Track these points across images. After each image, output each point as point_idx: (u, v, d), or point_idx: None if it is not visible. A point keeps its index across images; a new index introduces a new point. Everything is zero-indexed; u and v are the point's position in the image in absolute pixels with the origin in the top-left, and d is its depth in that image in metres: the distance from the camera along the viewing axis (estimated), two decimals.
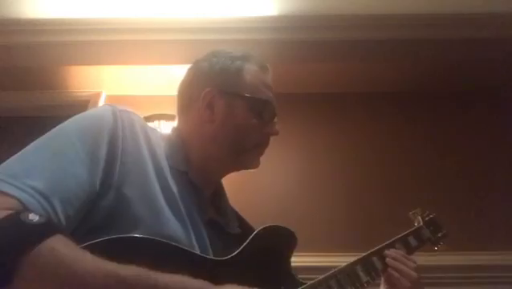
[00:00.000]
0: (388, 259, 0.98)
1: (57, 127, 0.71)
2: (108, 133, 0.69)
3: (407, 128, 2.13)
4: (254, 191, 1.92)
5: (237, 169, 0.91)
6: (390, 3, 2.10)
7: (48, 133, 0.70)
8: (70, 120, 0.73)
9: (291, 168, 2.05)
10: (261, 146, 0.89)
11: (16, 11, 2.12)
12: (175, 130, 0.90)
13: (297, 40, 2.17)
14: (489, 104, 2.17)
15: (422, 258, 1.71)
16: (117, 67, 2.17)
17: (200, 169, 0.83)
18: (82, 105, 2.16)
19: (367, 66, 2.19)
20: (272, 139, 0.91)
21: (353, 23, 2.15)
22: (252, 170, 0.90)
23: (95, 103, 2.17)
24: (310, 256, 1.63)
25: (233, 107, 0.86)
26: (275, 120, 0.90)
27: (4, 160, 0.65)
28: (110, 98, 2.22)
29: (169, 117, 1.97)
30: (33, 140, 0.72)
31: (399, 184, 1.97)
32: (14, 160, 0.64)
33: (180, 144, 0.84)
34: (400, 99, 2.20)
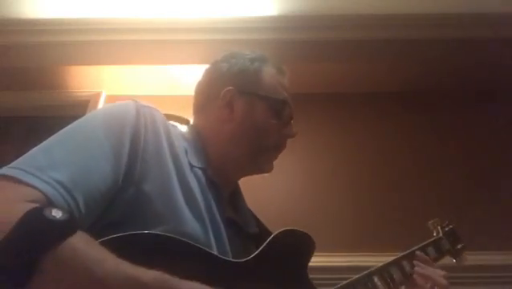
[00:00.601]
0: (415, 262, 0.94)
1: (81, 120, 0.71)
2: (131, 129, 0.69)
3: (411, 127, 2.13)
4: (259, 191, 1.92)
5: (252, 172, 0.91)
6: (391, 3, 2.10)
7: (72, 126, 0.70)
8: (93, 113, 0.74)
9: (296, 169, 2.05)
10: (278, 148, 0.90)
11: (16, 11, 2.13)
12: (192, 128, 0.90)
13: (297, 40, 2.17)
14: (494, 105, 2.16)
15: None
16: (117, 67, 2.17)
17: (218, 168, 0.83)
18: (82, 105, 2.16)
19: (369, 66, 2.19)
20: None
21: (354, 23, 2.15)
22: (265, 174, 0.90)
23: (95, 103, 2.17)
24: (316, 256, 1.64)
25: (252, 106, 0.87)
26: (292, 121, 0.92)
27: (4, 161, 0.65)
28: (110, 98, 2.22)
29: (169, 117, 1.97)
30: (33, 140, 0.72)
31: (404, 183, 1.96)
32: (39, 152, 0.64)
33: (199, 142, 0.85)
34: (404, 99, 2.20)
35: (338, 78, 2.19)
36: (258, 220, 0.93)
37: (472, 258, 1.73)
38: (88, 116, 0.73)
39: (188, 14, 2.16)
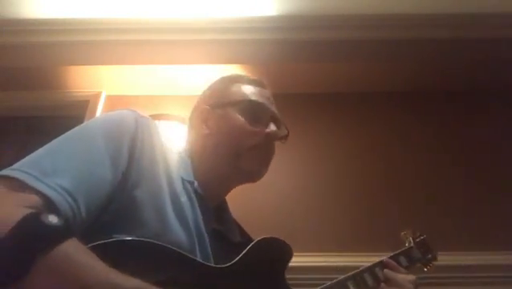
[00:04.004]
0: (385, 270, 0.99)
1: (81, 126, 0.75)
2: (129, 138, 0.73)
3: (409, 128, 2.13)
4: (256, 192, 1.92)
5: (239, 178, 0.92)
6: (391, 3, 2.10)
7: (73, 132, 0.73)
8: (93, 120, 0.77)
9: (292, 168, 2.05)
10: (257, 148, 0.89)
11: (16, 11, 2.13)
12: (183, 147, 0.95)
13: (297, 40, 2.17)
14: (491, 105, 2.16)
15: None
16: (117, 67, 2.17)
17: (205, 181, 0.86)
18: (82, 105, 2.16)
19: (368, 66, 2.19)
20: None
21: (353, 23, 2.15)
22: (257, 180, 0.92)
23: (95, 103, 2.17)
24: (314, 256, 1.64)
25: (225, 115, 0.91)
26: (273, 122, 0.92)
27: (4, 161, 0.65)
28: (110, 98, 2.22)
29: (169, 117, 1.97)
30: (32, 140, 0.73)
31: (401, 183, 1.96)
32: (42, 157, 0.67)
33: (188, 157, 0.89)
34: (403, 99, 2.20)
35: (337, 78, 2.19)
36: (242, 230, 0.97)
37: (472, 258, 1.75)
38: (88, 123, 0.76)
39: (188, 14, 2.16)
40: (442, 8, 2.10)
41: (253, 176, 0.91)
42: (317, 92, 2.21)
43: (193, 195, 0.80)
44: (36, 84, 2.20)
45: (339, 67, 2.17)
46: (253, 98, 0.92)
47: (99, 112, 2.14)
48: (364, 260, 1.08)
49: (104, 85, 2.22)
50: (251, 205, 1.86)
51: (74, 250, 0.56)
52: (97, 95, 2.20)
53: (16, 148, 2.04)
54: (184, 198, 0.77)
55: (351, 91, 2.22)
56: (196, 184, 0.83)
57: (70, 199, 0.61)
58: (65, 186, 0.61)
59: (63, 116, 2.15)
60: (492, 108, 2.16)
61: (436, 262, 1.19)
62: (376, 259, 1.04)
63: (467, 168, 2.01)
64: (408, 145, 2.08)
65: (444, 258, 1.73)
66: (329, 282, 0.89)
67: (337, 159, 2.06)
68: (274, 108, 0.95)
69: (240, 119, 0.89)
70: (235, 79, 0.98)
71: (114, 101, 2.20)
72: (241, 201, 1.93)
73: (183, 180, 0.81)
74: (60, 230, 0.56)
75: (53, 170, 0.63)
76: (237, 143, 0.88)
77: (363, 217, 1.87)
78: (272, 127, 0.91)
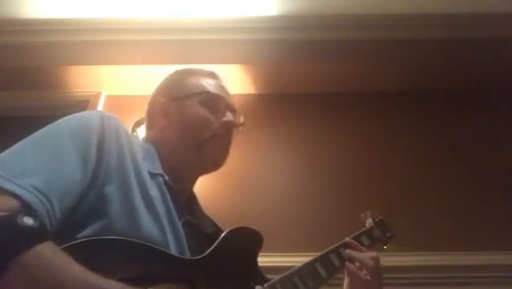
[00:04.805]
0: (347, 250, 1.04)
1: (48, 127, 0.74)
2: (97, 137, 0.73)
3: (407, 128, 2.13)
4: (254, 190, 1.92)
5: (204, 166, 0.95)
6: (390, 3, 2.10)
7: (40, 132, 0.73)
8: (60, 121, 0.76)
9: (290, 167, 2.05)
10: (218, 137, 0.92)
11: (16, 11, 2.13)
12: (148, 139, 0.96)
13: (297, 40, 2.17)
14: (489, 105, 2.16)
15: (421, 258, 1.73)
16: (117, 67, 2.17)
17: (172, 173, 0.87)
18: (82, 105, 2.16)
19: (367, 66, 2.19)
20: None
21: (353, 23, 2.15)
22: (219, 168, 0.94)
23: (95, 103, 2.17)
24: (312, 256, 1.64)
25: (183, 108, 0.93)
26: (229, 111, 0.96)
27: None
28: (110, 98, 2.22)
29: None
30: None
31: (398, 183, 1.96)
32: (10, 158, 0.66)
33: (153, 151, 0.90)
34: (401, 99, 2.20)
35: (335, 77, 2.19)
36: (213, 222, 0.99)
37: (472, 258, 1.75)
38: (54, 124, 0.75)
39: (188, 14, 2.16)
40: (440, 8, 2.10)
41: (215, 163, 0.94)
42: (315, 92, 2.21)
43: (163, 188, 0.81)
44: (36, 84, 2.20)
45: (338, 66, 2.17)
46: (211, 89, 0.96)
47: None
48: None
49: (104, 85, 2.22)
50: (251, 204, 1.86)
51: (50, 252, 0.56)
52: (97, 95, 2.20)
53: None
54: (154, 192, 0.77)
55: (349, 90, 2.21)
56: (166, 176, 0.84)
57: (43, 198, 0.61)
58: (37, 186, 0.61)
59: (63, 116, 2.14)
60: (490, 108, 2.16)
61: (394, 240, 1.23)
62: None
63: (466, 169, 2.01)
64: (406, 145, 2.08)
65: (444, 258, 1.75)
66: (298, 266, 0.93)
67: (335, 158, 2.06)
68: (229, 99, 0.99)
69: (199, 109, 0.92)
70: (190, 72, 1.01)
71: (114, 101, 2.21)
72: (242, 201, 1.94)
73: (153, 174, 0.81)
74: (36, 231, 0.57)
75: (22, 171, 0.63)
76: (198, 133, 0.91)
77: (361, 218, 1.87)
78: (229, 116, 0.95)
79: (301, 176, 2.03)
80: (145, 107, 1.01)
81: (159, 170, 0.84)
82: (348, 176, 2.00)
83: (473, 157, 2.03)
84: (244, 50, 2.16)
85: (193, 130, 0.91)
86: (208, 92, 0.95)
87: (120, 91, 2.23)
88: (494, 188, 1.94)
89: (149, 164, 0.83)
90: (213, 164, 0.94)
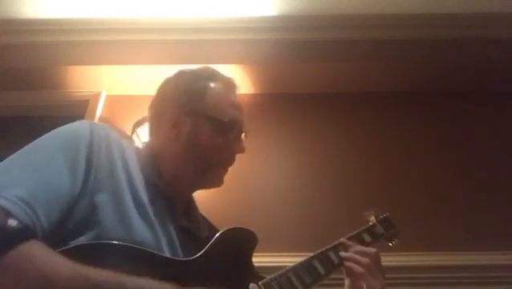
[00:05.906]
0: (340, 252, 1.02)
1: (36, 141, 0.75)
2: (85, 146, 0.73)
3: (408, 127, 2.13)
4: (253, 189, 1.93)
5: (204, 187, 0.95)
6: (390, 3, 2.10)
7: (29, 145, 0.74)
8: (49, 134, 0.77)
9: (290, 167, 2.05)
10: (225, 164, 0.93)
11: (16, 11, 2.13)
12: (148, 144, 0.95)
13: (297, 40, 2.17)
14: (490, 105, 2.16)
15: (421, 258, 1.73)
16: (117, 67, 2.17)
17: (170, 183, 0.87)
18: (82, 105, 2.16)
19: (367, 65, 2.19)
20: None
21: (353, 23, 2.15)
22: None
23: (95, 103, 2.17)
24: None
25: (198, 126, 0.90)
26: (242, 137, 0.95)
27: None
28: (110, 98, 2.22)
29: None
30: (33, 140, 0.74)
31: (399, 182, 1.96)
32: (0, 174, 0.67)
33: (152, 159, 0.89)
34: (400, 99, 2.20)
35: (335, 77, 2.19)
36: (211, 225, 0.99)
37: (472, 258, 1.75)
38: (44, 137, 0.76)
39: (189, 14, 2.16)
40: (440, 8, 2.10)
41: (217, 186, 0.94)
42: (315, 92, 2.21)
43: (157, 196, 0.82)
44: (36, 84, 2.20)
45: (338, 66, 2.17)
46: (229, 118, 0.92)
47: (99, 112, 2.14)
48: None
49: (104, 85, 2.22)
50: (250, 204, 1.86)
51: (35, 249, 0.58)
52: (97, 95, 2.20)
53: (16, 148, 2.04)
54: (147, 199, 0.78)
55: (349, 90, 2.22)
56: (161, 185, 0.85)
57: (26, 207, 0.62)
58: (21, 196, 0.62)
59: (63, 116, 2.15)
60: (491, 108, 2.16)
61: (399, 237, 1.21)
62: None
63: (466, 168, 2.01)
64: (406, 145, 2.08)
65: (444, 258, 1.75)
66: (296, 262, 0.93)
67: (334, 158, 2.05)
68: (243, 117, 0.96)
69: (214, 134, 0.90)
70: (210, 78, 0.96)
71: (114, 101, 2.21)
72: (241, 201, 1.94)
73: (147, 181, 0.81)
74: (19, 232, 0.58)
75: (9, 184, 0.64)
76: (208, 158, 0.90)
77: (360, 218, 1.87)
78: (241, 144, 0.94)
79: (300, 175, 2.03)
80: (145, 107, 0.99)
81: (152, 178, 0.84)
82: (348, 176, 2.00)
83: (472, 157, 2.03)
84: (244, 50, 2.16)
85: (202, 153, 0.89)
86: (230, 123, 0.91)
87: (120, 91, 2.23)
88: (495, 188, 1.94)
89: (144, 172, 0.83)
90: (215, 186, 0.95)
